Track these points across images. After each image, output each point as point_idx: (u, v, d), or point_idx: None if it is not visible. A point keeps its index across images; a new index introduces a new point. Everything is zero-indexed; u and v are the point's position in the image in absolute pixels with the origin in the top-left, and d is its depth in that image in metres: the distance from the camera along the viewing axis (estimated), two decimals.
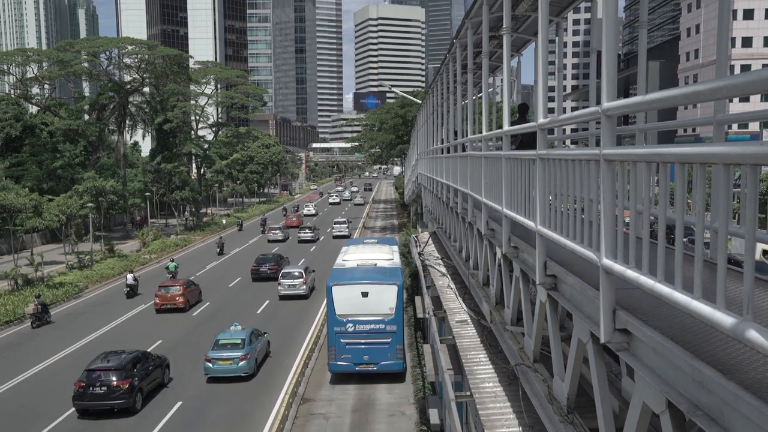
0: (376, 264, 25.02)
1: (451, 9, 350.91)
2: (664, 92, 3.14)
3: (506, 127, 7.87)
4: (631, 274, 3.65)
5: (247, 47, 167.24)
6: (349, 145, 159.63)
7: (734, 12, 74.05)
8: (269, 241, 57.84)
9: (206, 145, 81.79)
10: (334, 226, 61.78)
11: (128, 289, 35.80)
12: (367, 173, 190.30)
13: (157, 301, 32.38)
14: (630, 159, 3.80)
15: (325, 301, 26.22)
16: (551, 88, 16.58)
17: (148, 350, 23.62)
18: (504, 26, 7.93)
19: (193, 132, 79.05)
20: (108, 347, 23.97)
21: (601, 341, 4.30)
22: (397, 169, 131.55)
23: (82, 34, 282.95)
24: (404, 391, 21.99)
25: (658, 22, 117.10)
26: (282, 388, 21.92)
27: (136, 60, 66.09)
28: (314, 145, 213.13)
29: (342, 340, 22.29)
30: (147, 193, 62.24)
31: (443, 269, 16.26)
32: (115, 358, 20.72)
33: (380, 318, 22.25)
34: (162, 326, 29.86)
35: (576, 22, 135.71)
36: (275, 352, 25.58)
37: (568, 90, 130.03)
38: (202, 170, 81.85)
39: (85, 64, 66.25)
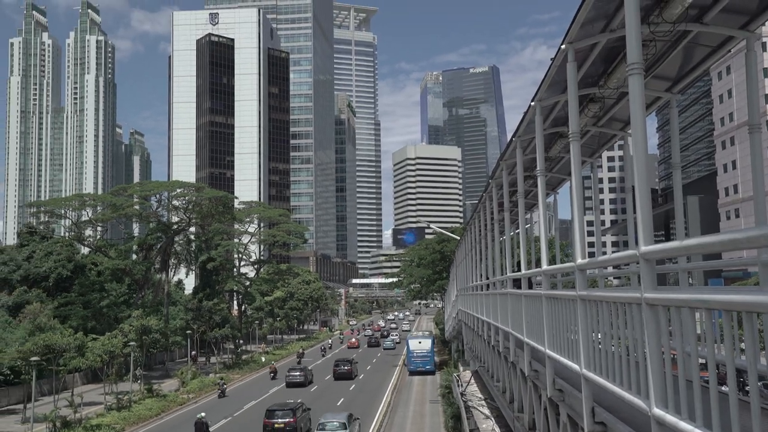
0: (423, 334, 62.66)
1: (487, 148, 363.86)
2: (703, 239, 3.14)
3: (544, 266, 7.87)
4: (685, 426, 3.46)
5: (289, 187, 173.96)
6: (388, 280, 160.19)
7: None
8: (364, 335, 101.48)
9: (248, 282, 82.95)
10: (403, 325, 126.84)
11: None
12: (405, 313, 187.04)
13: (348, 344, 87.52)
14: (673, 304, 3.72)
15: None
16: (590, 223, 16.67)
17: None
18: (538, 168, 8.16)
19: (235, 269, 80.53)
20: None
21: None
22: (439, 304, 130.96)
23: (136, 178, 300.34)
24: None
25: (693, 158, 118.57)
26: None
27: (183, 201, 69.08)
28: (354, 280, 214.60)
29: (411, 359, 56.88)
30: (188, 331, 62.51)
31: (487, 411, 15.64)
32: None
33: (425, 351, 56.70)
34: None
35: (610, 158, 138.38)
36: None
37: (607, 224, 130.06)
38: (243, 307, 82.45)
39: (136, 207, 69.41)
